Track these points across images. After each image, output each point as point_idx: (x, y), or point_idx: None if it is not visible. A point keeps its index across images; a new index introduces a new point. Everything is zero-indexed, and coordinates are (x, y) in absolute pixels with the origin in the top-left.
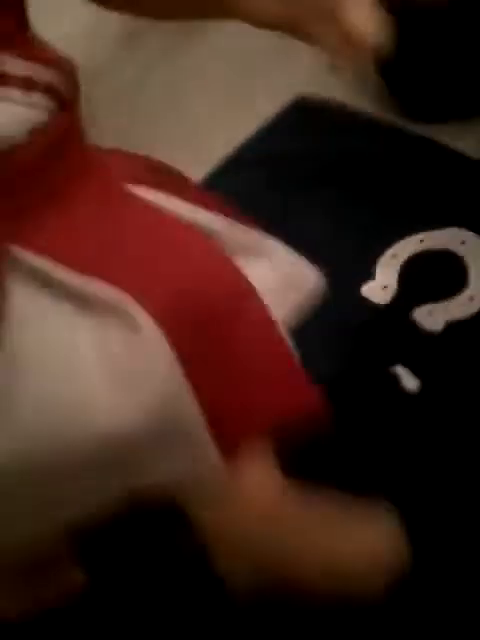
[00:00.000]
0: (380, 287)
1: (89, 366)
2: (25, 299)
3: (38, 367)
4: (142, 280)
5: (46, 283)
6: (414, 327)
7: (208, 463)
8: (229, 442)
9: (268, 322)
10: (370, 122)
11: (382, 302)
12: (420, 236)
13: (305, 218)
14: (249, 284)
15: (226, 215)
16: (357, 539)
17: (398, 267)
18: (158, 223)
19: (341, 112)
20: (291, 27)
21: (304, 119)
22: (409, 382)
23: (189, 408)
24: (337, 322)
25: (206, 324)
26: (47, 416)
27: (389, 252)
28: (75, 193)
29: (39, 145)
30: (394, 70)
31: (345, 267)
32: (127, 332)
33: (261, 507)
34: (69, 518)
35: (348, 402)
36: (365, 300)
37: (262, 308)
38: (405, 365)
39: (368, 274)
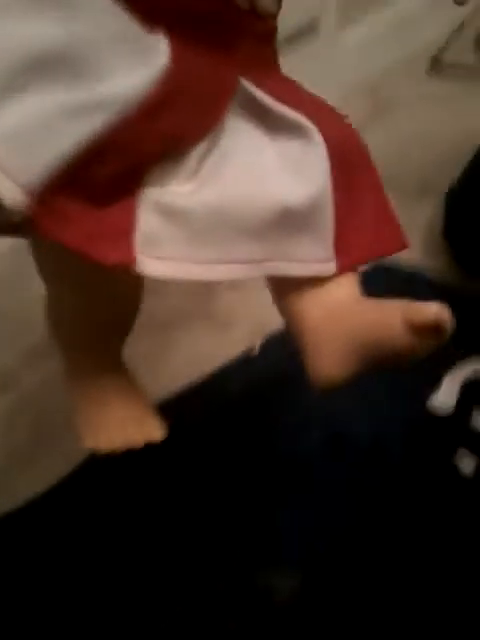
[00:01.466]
0: (444, 398)
1: (272, 160)
2: (236, 116)
3: (238, 157)
4: (315, 118)
5: (253, 106)
6: (470, 429)
7: (323, 253)
8: (339, 250)
9: (380, 180)
10: (434, 281)
11: (446, 408)
12: (474, 364)
13: None
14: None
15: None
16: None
17: (458, 386)
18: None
19: (412, 271)
20: None
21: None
22: (467, 467)
23: (328, 207)
24: (411, 419)
25: (345, 160)
26: (241, 185)
27: (450, 375)
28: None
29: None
30: (459, 237)
31: (418, 380)
32: (305, 142)
33: (352, 291)
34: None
35: (419, 479)
36: (433, 408)
37: (375, 169)
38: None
39: (435, 387)
